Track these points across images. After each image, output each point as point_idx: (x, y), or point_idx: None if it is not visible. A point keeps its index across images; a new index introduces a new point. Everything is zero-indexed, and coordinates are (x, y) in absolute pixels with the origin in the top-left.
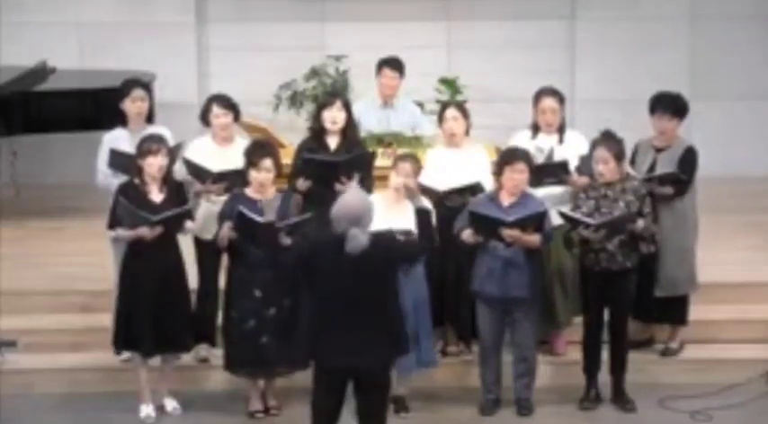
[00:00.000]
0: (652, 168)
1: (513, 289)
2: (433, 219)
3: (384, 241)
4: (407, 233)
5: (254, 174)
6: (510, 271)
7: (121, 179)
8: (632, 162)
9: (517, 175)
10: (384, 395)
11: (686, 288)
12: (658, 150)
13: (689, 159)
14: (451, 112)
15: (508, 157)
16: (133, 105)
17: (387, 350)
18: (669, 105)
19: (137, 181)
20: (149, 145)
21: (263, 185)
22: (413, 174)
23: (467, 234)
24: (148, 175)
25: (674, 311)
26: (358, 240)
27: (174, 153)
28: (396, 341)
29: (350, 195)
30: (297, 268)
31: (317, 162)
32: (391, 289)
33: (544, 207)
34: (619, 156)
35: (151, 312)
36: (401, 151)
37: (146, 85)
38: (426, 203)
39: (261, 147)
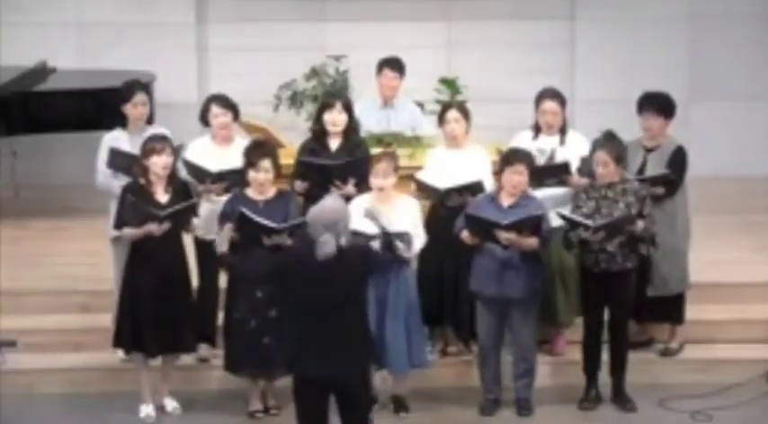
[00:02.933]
0: (642, 168)
1: (510, 290)
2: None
3: (359, 251)
4: (402, 235)
5: (252, 174)
6: (507, 272)
7: (121, 179)
8: None
9: (516, 176)
10: (366, 413)
11: (678, 287)
12: (648, 150)
13: (679, 159)
14: (453, 114)
15: (509, 157)
16: (135, 110)
17: (360, 360)
18: (653, 103)
19: (142, 181)
20: (153, 144)
21: (263, 185)
22: (392, 173)
23: (465, 236)
24: (154, 174)
25: (670, 310)
26: (328, 246)
27: (175, 154)
28: (366, 349)
29: (327, 201)
30: (271, 278)
31: (313, 165)
32: (363, 299)
33: (542, 210)
34: (618, 159)
35: (155, 312)
36: (400, 151)
37: (147, 89)
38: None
39: (259, 147)
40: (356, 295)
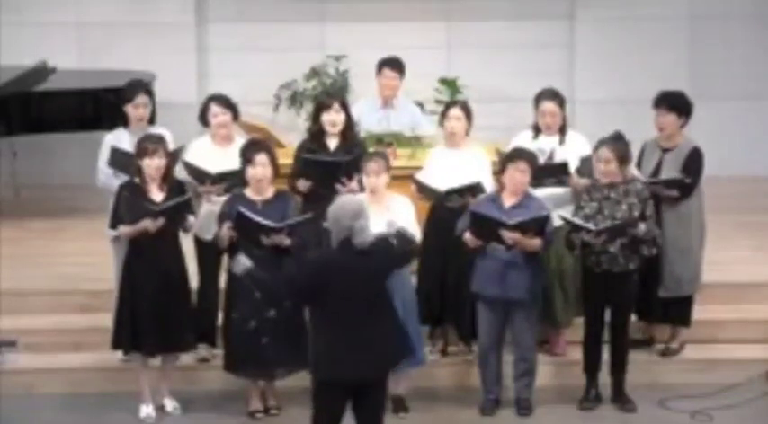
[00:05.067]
0: (658, 168)
1: (512, 291)
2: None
3: (382, 248)
4: (400, 232)
5: (250, 171)
6: (509, 273)
7: (122, 179)
8: (639, 161)
9: (518, 174)
10: (381, 410)
11: (690, 289)
12: (665, 150)
13: (694, 160)
14: (455, 112)
15: (512, 155)
16: (135, 110)
17: (392, 357)
18: (665, 100)
19: (137, 180)
20: (147, 145)
21: (261, 182)
22: (383, 172)
23: (468, 238)
24: (148, 175)
25: (678, 312)
26: (366, 232)
27: (175, 155)
28: (400, 345)
29: (342, 198)
30: (304, 294)
31: (319, 162)
32: (387, 295)
33: (547, 211)
34: (622, 159)
35: (154, 311)
36: (400, 151)
37: (149, 90)
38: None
39: (254, 144)
40: (384, 292)
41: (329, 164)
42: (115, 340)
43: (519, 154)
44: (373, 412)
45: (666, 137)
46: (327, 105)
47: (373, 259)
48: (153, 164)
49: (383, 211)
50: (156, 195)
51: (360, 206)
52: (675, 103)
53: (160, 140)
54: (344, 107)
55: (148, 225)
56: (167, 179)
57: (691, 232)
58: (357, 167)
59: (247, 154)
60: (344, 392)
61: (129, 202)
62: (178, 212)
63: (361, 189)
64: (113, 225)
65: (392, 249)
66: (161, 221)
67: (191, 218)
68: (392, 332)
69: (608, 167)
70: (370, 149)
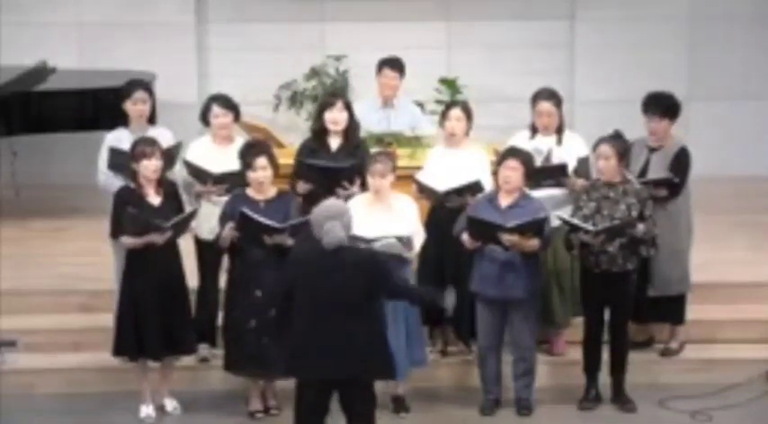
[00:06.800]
0: (645, 168)
1: (511, 291)
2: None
3: (380, 263)
4: (403, 239)
5: (251, 175)
6: (507, 273)
7: (122, 179)
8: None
9: (507, 171)
10: (370, 409)
11: (679, 288)
12: (652, 150)
13: (682, 160)
14: (455, 112)
15: (504, 154)
16: (134, 107)
17: (369, 362)
18: (658, 105)
19: (133, 185)
20: (143, 148)
21: (262, 184)
22: (389, 173)
23: (465, 240)
24: (144, 178)
25: (671, 310)
26: (334, 232)
27: (173, 152)
28: (377, 359)
29: (328, 200)
30: (280, 298)
31: (321, 168)
32: (373, 303)
33: (544, 212)
34: (621, 155)
35: (155, 316)
36: (400, 151)
37: (148, 87)
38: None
39: (253, 147)
40: (362, 297)
41: (331, 170)
42: (117, 347)
43: (511, 153)
44: (359, 412)
45: (657, 138)
46: (331, 103)
47: (344, 260)
48: (150, 167)
49: (386, 210)
50: (154, 199)
51: (336, 208)
52: (666, 110)
53: (155, 142)
54: (348, 107)
55: (157, 239)
56: (162, 181)
57: (679, 231)
58: (359, 171)
59: (247, 159)
60: (320, 390)
61: (136, 217)
62: (184, 224)
63: (363, 191)
64: (114, 233)
65: (375, 258)
66: (169, 234)
67: (192, 224)
68: (369, 342)
69: (608, 163)
70: (374, 149)
